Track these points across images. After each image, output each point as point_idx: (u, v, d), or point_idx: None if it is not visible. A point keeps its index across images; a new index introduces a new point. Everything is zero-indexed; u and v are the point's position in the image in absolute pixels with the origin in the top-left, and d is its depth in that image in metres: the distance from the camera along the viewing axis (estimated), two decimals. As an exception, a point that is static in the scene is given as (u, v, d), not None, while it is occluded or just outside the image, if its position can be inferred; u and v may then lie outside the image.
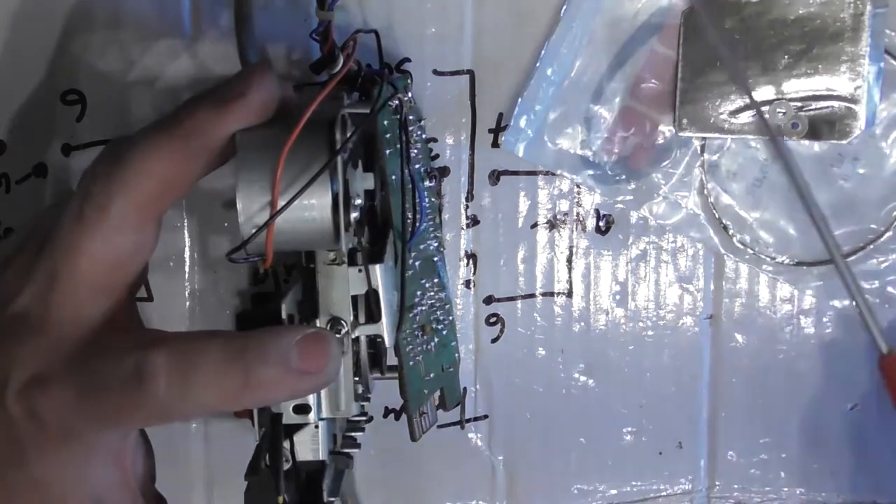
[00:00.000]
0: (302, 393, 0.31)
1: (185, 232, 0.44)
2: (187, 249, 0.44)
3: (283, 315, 0.36)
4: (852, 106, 0.41)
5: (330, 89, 0.33)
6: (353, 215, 0.33)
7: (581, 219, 0.44)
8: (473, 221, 0.44)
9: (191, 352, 0.30)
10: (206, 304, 0.45)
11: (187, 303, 0.44)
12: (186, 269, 0.44)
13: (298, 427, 0.36)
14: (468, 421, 0.45)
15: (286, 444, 0.36)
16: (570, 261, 0.44)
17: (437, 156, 0.44)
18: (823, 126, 0.42)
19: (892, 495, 0.45)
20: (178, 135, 0.32)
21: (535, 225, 0.44)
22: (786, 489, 0.46)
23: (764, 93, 0.42)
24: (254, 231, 0.31)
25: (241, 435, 0.45)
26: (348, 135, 0.32)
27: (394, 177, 0.37)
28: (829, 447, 0.45)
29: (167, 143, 0.32)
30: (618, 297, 0.45)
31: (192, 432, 0.45)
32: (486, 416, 0.45)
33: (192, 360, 0.30)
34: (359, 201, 0.34)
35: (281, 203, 0.31)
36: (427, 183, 0.42)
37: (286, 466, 0.36)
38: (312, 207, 0.32)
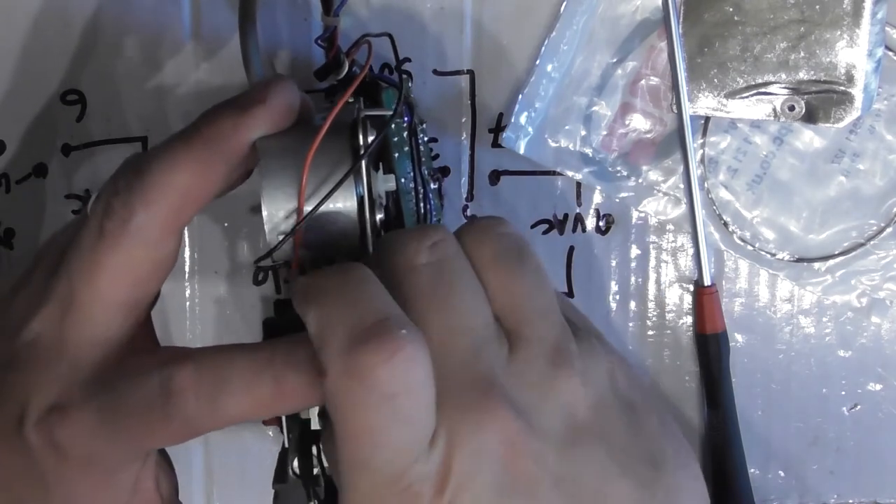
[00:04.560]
0: None
1: (186, 232, 0.44)
2: (187, 249, 0.44)
3: None
4: (850, 91, 0.42)
5: (349, 94, 0.33)
6: (379, 217, 0.33)
7: (581, 219, 0.44)
8: (473, 221, 0.44)
9: (218, 364, 0.29)
10: (206, 305, 0.45)
11: (187, 303, 0.44)
12: (186, 269, 0.44)
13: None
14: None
15: (313, 451, 0.36)
16: (570, 261, 0.44)
17: (437, 156, 0.44)
18: (820, 110, 0.42)
19: (892, 495, 0.45)
20: (198, 143, 0.31)
21: (535, 225, 0.44)
22: (785, 489, 0.45)
23: (762, 75, 0.42)
24: (280, 238, 0.31)
25: (241, 436, 0.45)
26: (370, 138, 0.32)
27: (402, 179, 0.37)
28: (829, 447, 0.45)
29: (187, 152, 0.31)
30: (618, 297, 0.45)
31: (192, 432, 0.45)
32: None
33: (220, 372, 0.29)
34: (381, 203, 0.34)
35: (307, 209, 0.31)
36: (432, 185, 0.42)
37: (314, 472, 0.36)
38: (338, 212, 0.32)
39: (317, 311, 0.28)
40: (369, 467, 0.27)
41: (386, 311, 0.27)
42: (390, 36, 0.40)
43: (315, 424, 0.36)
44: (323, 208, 0.31)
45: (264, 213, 0.31)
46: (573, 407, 0.30)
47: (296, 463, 0.36)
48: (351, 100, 0.35)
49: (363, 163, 0.32)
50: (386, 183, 0.34)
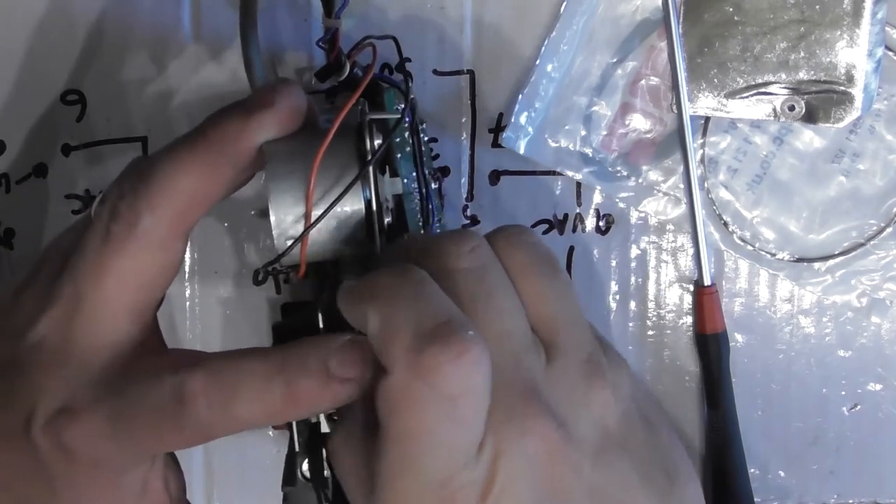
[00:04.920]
0: (344, 401, 0.30)
1: (186, 232, 0.44)
2: (188, 250, 0.44)
3: (321, 325, 0.36)
4: (850, 91, 0.42)
5: (357, 97, 0.33)
6: (386, 220, 0.33)
7: (581, 219, 0.44)
8: (473, 221, 0.44)
9: (230, 370, 0.30)
10: (206, 306, 0.44)
11: (187, 303, 0.44)
12: (187, 269, 0.44)
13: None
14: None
15: (323, 454, 0.36)
16: (570, 261, 0.44)
17: (437, 156, 0.44)
18: (820, 110, 0.42)
19: (892, 495, 0.45)
20: (203, 147, 0.31)
21: (535, 225, 0.44)
22: (785, 489, 0.45)
23: (762, 75, 0.42)
24: (288, 243, 0.31)
25: (241, 436, 0.45)
26: (377, 142, 0.32)
27: (405, 180, 0.37)
28: (829, 447, 0.45)
29: (193, 156, 0.31)
30: (618, 297, 0.45)
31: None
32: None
33: (233, 378, 0.30)
34: (388, 206, 0.34)
35: (316, 213, 0.31)
36: (432, 185, 0.42)
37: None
38: (346, 216, 0.31)
39: (379, 310, 0.27)
40: (418, 470, 0.27)
41: (450, 312, 0.27)
42: (394, 38, 0.40)
43: (325, 427, 0.36)
44: (331, 212, 0.31)
45: (272, 218, 0.31)
46: (605, 419, 0.30)
47: (305, 465, 0.36)
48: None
49: (370, 166, 0.32)
50: (393, 186, 0.34)
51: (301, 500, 0.36)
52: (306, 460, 0.36)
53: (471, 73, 0.43)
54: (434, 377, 0.26)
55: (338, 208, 0.31)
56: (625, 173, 0.44)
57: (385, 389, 0.27)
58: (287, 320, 0.42)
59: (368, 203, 0.31)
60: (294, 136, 0.32)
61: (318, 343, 0.30)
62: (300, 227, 0.31)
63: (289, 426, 0.36)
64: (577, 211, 0.44)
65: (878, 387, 0.45)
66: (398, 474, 0.27)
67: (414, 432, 0.27)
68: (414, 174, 0.38)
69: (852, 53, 0.41)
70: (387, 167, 0.35)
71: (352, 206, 0.31)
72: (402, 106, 0.37)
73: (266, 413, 0.30)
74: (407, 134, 0.38)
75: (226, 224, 0.44)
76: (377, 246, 0.32)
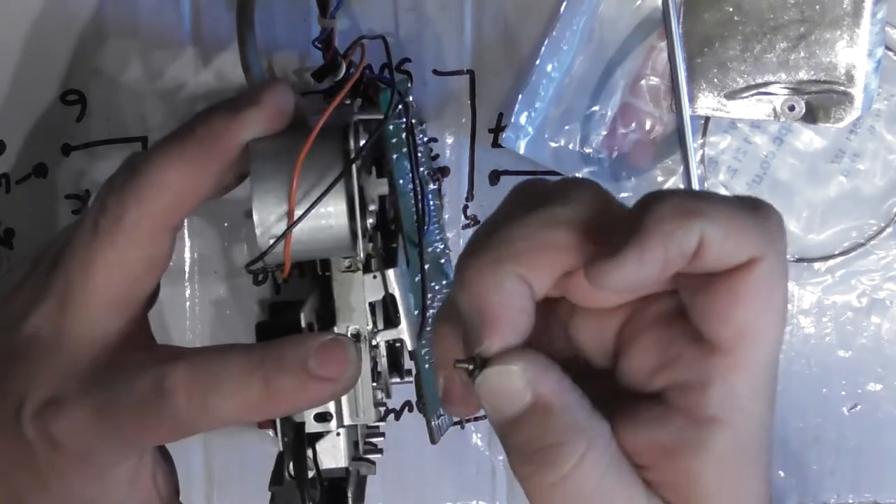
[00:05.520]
0: (323, 400, 0.31)
1: (186, 233, 0.44)
2: (187, 250, 0.44)
3: (303, 324, 0.36)
4: (850, 91, 0.42)
5: (341, 97, 0.33)
6: (370, 221, 0.33)
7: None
8: (473, 221, 0.44)
9: (210, 365, 0.30)
10: (206, 306, 0.45)
11: (187, 303, 0.44)
12: (186, 270, 0.44)
13: (320, 435, 0.36)
14: (468, 421, 0.45)
15: (309, 453, 0.36)
16: (569, 261, 0.44)
17: (437, 156, 0.44)
18: (820, 110, 0.42)
19: (892, 495, 0.45)
20: (191, 143, 0.31)
21: (534, 225, 0.44)
22: (785, 489, 0.46)
23: (762, 75, 0.42)
24: (271, 242, 0.31)
25: (240, 436, 0.45)
26: (362, 142, 0.32)
27: (401, 181, 0.37)
28: (829, 447, 0.45)
29: (181, 152, 0.31)
30: (618, 297, 0.45)
31: (192, 432, 0.45)
32: (486, 416, 0.45)
33: (212, 372, 0.30)
34: (373, 207, 0.34)
35: (298, 212, 0.31)
36: (431, 185, 0.42)
37: (310, 475, 0.36)
38: (329, 215, 0.31)
39: (720, 213, 0.26)
40: (773, 352, 0.26)
41: None
42: (384, 38, 0.40)
43: (310, 427, 0.36)
44: (314, 212, 0.31)
45: (255, 217, 0.31)
46: None
47: (291, 466, 0.36)
48: (347, 101, 0.35)
49: (354, 166, 0.31)
50: (378, 187, 0.34)
51: (288, 500, 0.36)
52: (292, 461, 0.36)
53: (471, 73, 0.43)
54: (783, 240, 0.26)
55: (321, 208, 0.31)
56: (625, 173, 0.44)
57: (755, 281, 0.25)
58: (271, 319, 0.42)
59: (351, 203, 0.31)
60: (280, 135, 0.32)
61: (298, 342, 0.30)
62: (283, 226, 0.31)
63: (273, 426, 0.36)
64: (577, 211, 0.44)
65: (878, 387, 0.45)
66: (762, 364, 0.26)
67: (783, 308, 0.26)
68: (410, 175, 0.38)
69: (852, 53, 0.41)
70: (373, 168, 0.35)
71: (335, 205, 0.31)
72: (399, 106, 0.37)
73: (245, 408, 0.30)
74: (404, 135, 0.38)
75: (225, 224, 0.44)
76: (358, 246, 0.32)
